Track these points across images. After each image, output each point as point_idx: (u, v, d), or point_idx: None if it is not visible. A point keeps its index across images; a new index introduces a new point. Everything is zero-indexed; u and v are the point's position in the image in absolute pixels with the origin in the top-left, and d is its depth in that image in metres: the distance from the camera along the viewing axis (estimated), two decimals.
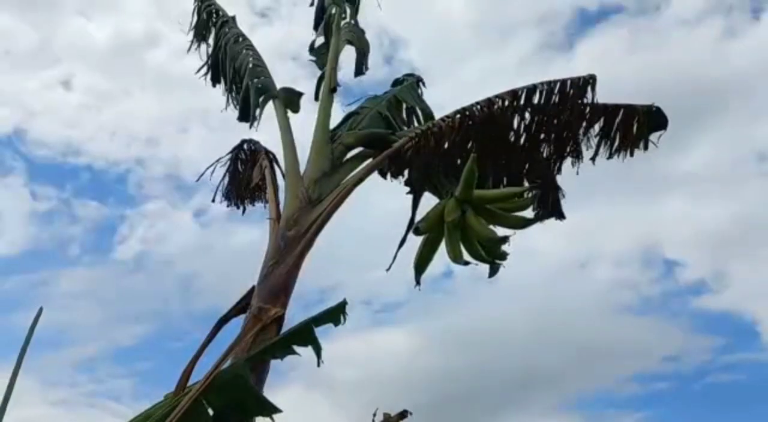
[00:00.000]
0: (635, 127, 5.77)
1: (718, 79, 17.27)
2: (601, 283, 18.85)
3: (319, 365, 4.88)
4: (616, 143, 5.81)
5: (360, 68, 6.72)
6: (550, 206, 6.04)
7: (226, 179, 7.04)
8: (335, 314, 4.94)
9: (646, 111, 5.78)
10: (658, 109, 5.80)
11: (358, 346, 16.86)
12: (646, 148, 5.85)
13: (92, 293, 18.26)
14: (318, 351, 4.86)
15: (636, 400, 17.64)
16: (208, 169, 6.93)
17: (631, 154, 5.84)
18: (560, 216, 6.11)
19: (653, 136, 5.86)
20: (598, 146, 5.75)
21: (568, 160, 5.86)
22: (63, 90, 19.26)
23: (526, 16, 18.05)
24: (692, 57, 18.16)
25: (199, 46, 7.29)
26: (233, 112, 6.81)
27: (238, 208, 7.12)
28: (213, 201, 7.07)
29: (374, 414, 5.16)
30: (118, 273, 18.38)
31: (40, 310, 4.81)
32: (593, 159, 5.77)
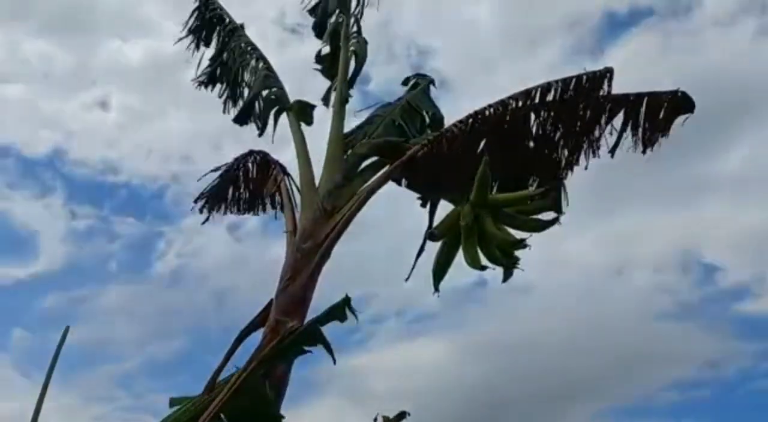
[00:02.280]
0: (662, 113, 5.43)
1: (754, 78, 16.88)
2: (639, 289, 18.48)
3: (335, 363, 4.73)
4: (646, 133, 5.45)
5: (353, 82, 6.63)
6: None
7: (213, 186, 7.02)
8: (340, 310, 4.89)
9: (672, 96, 5.44)
10: (684, 93, 5.45)
11: (393, 357, 16.81)
12: (667, 132, 5.44)
13: (130, 309, 18.58)
14: (328, 349, 4.78)
15: (676, 408, 17.23)
16: (207, 173, 6.99)
17: (659, 144, 5.44)
18: (558, 210, 5.84)
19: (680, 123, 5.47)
20: (619, 137, 5.45)
21: (591, 158, 5.50)
22: (100, 110, 19.75)
23: (555, 22, 17.94)
24: (726, 57, 17.81)
25: (198, 48, 7.33)
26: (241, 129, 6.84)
27: (209, 215, 7.07)
28: (198, 210, 7.07)
29: (375, 419, 5.14)
30: (156, 289, 18.67)
31: (66, 329, 4.88)
32: (612, 152, 5.44)
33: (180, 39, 7.38)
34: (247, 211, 6.97)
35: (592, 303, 17.77)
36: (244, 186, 6.93)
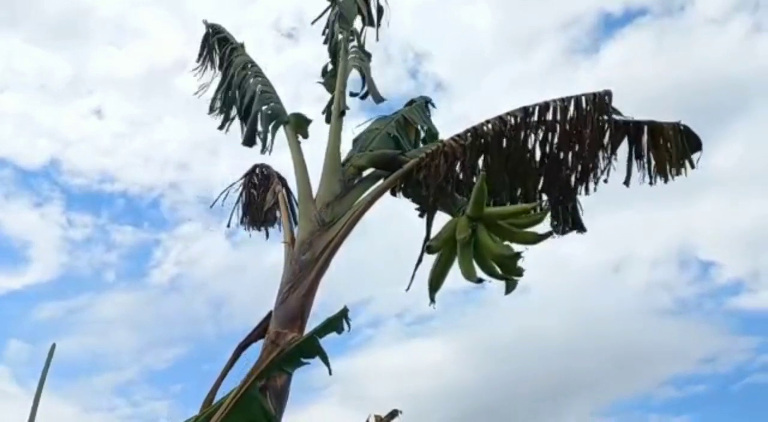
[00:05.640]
0: (667, 146, 5.62)
1: (748, 75, 17.02)
2: (636, 287, 18.61)
3: (330, 373, 4.88)
4: (651, 164, 5.67)
5: (366, 93, 6.73)
6: (570, 219, 5.99)
7: (241, 205, 7.13)
8: (337, 322, 4.96)
9: (673, 128, 5.64)
10: (687, 128, 5.67)
11: (392, 359, 16.88)
12: (693, 167, 5.71)
13: (128, 317, 18.57)
14: (326, 361, 4.88)
15: (674, 404, 17.40)
16: (221, 194, 7.09)
17: (665, 179, 5.67)
18: (581, 228, 6.04)
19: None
20: (629, 167, 5.64)
21: (598, 179, 5.69)
22: (96, 119, 19.67)
23: (550, 24, 18.03)
24: (720, 55, 17.94)
25: (204, 71, 7.43)
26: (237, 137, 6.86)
27: (254, 230, 7.15)
28: (228, 225, 7.18)
29: (367, 420, 5.21)
30: (154, 297, 18.68)
31: (53, 347, 4.93)
32: (626, 182, 5.65)
33: (201, 72, 7.47)
34: (262, 225, 7.06)
35: (590, 301, 17.91)
36: (254, 201, 7.04)
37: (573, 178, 5.59)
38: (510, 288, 5.34)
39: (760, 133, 17.65)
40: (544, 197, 5.76)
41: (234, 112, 7.01)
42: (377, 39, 7.16)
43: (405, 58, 13.39)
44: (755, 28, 18.25)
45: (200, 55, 7.54)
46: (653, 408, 17.71)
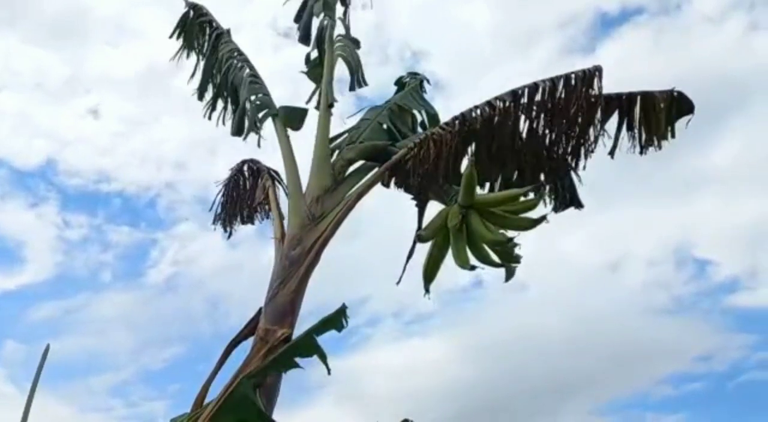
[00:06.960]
0: (658, 114, 5.49)
1: (744, 73, 17.01)
2: (633, 285, 18.58)
3: (329, 373, 4.74)
4: (643, 135, 5.54)
5: (353, 83, 6.58)
6: (568, 197, 5.88)
7: (221, 203, 7.08)
8: (336, 320, 4.86)
9: (667, 97, 5.51)
10: (681, 94, 5.53)
11: (390, 358, 16.84)
12: (673, 135, 5.56)
13: (125, 317, 18.53)
14: (323, 359, 4.76)
15: (671, 402, 17.37)
16: (217, 195, 7.04)
17: (659, 146, 5.57)
18: (578, 204, 5.93)
19: (681, 122, 5.58)
20: (616, 139, 5.52)
21: (587, 158, 5.55)
22: (93, 119, 19.63)
23: (547, 22, 18.02)
24: (717, 53, 17.95)
25: (188, 56, 7.25)
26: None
27: (229, 230, 7.09)
28: (215, 226, 7.11)
29: None
30: (150, 296, 18.64)
31: (47, 348, 4.83)
32: (611, 153, 5.52)
33: (177, 53, 7.30)
34: (249, 221, 6.96)
35: (588, 300, 17.90)
36: (241, 196, 6.93)
37: (565, 156, 5.45)
38: (509, 275, 5.26)
39: (757, 131, 17.58)
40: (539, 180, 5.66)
41: (221, 101, 6.90)
42: (345, 15, 6.98)
43: (402, 56, 13.33)
44: (752, 27, 18.27)
45: (176, 33, 7.32)
46: (650, 406, 17.69)
